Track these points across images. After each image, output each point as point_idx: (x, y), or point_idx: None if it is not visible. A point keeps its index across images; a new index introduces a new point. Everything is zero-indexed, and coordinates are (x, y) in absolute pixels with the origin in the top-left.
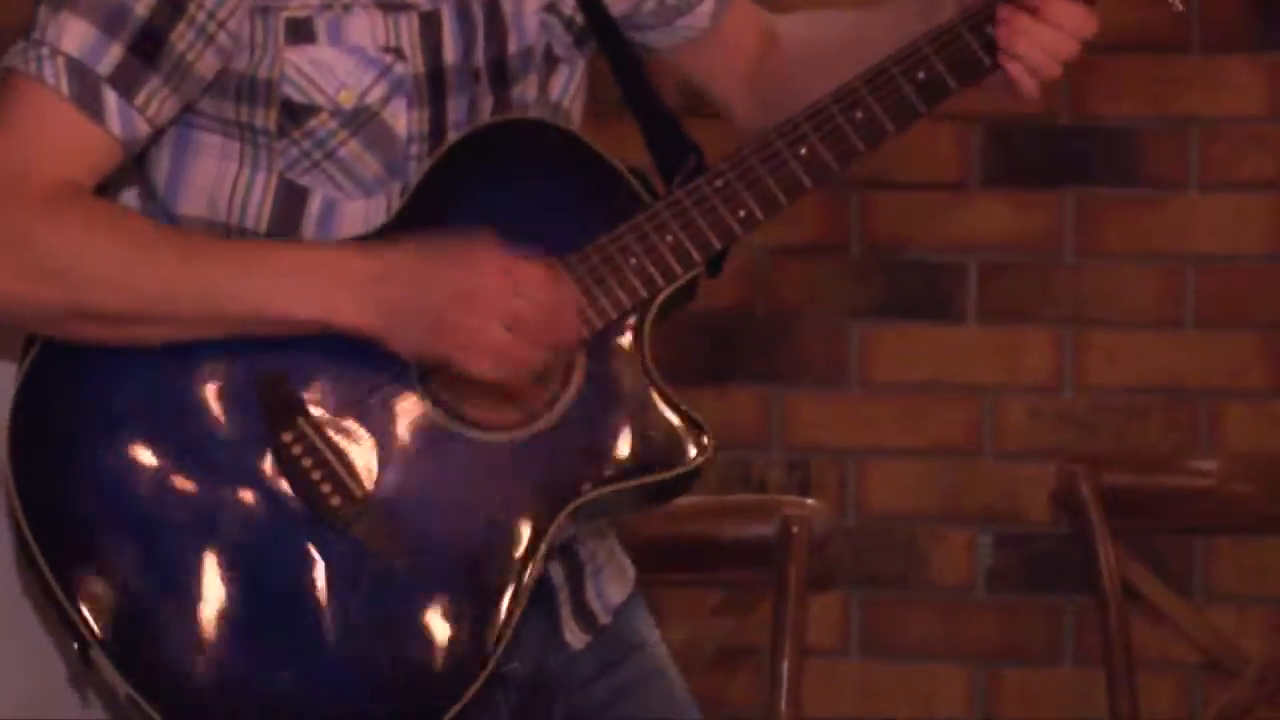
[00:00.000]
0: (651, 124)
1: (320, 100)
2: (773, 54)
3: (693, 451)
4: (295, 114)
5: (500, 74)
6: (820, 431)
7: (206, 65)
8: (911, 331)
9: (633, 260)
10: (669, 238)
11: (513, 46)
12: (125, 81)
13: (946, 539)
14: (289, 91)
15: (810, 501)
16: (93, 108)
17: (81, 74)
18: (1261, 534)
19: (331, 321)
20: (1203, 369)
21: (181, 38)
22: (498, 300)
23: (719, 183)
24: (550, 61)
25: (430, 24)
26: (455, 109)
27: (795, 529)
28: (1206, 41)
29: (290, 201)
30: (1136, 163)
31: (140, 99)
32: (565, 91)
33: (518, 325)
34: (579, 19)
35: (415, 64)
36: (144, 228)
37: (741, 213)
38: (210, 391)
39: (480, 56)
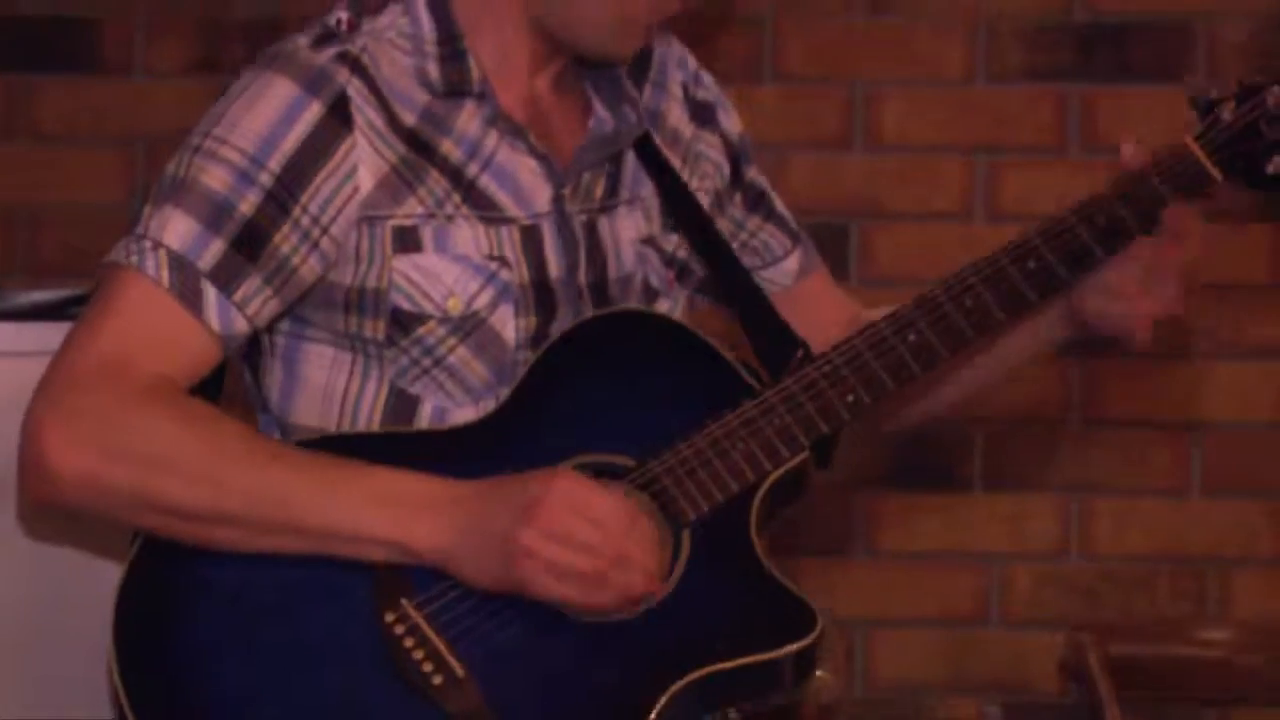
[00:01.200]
0: (757, 327)
1: (429, 308)
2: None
3: (800, 632)
4: (404, 323)
5: (603, 297)
6: (827, 601)
7: (309, 269)
8: (918, 500)
9: (740, 445)
10: (776, 421)
11: (613, 273)
12: (225, 277)
13: (955, 709)
14: (398, 300)
15: (818, 672)
16: (192, 301)
17: (182, 267)
18: (1273, 705)
19: (408, 546)
20: (1211, 537)
21: (285, 239)
22: (561, 523)
23: (826, 368)
24: (649, 293)
25: (531, 238)
26: (562, 319)
27: (803, 699)
28: (1209, 207)
29: (401, 409)
30: None
31: (239, 295)
32: None
33: (584, 550)
34: (681, 253)
35: (521, 273)
36: (233, 431)
37: (849, 397)
38: (313, 576)
39: (583, 275)
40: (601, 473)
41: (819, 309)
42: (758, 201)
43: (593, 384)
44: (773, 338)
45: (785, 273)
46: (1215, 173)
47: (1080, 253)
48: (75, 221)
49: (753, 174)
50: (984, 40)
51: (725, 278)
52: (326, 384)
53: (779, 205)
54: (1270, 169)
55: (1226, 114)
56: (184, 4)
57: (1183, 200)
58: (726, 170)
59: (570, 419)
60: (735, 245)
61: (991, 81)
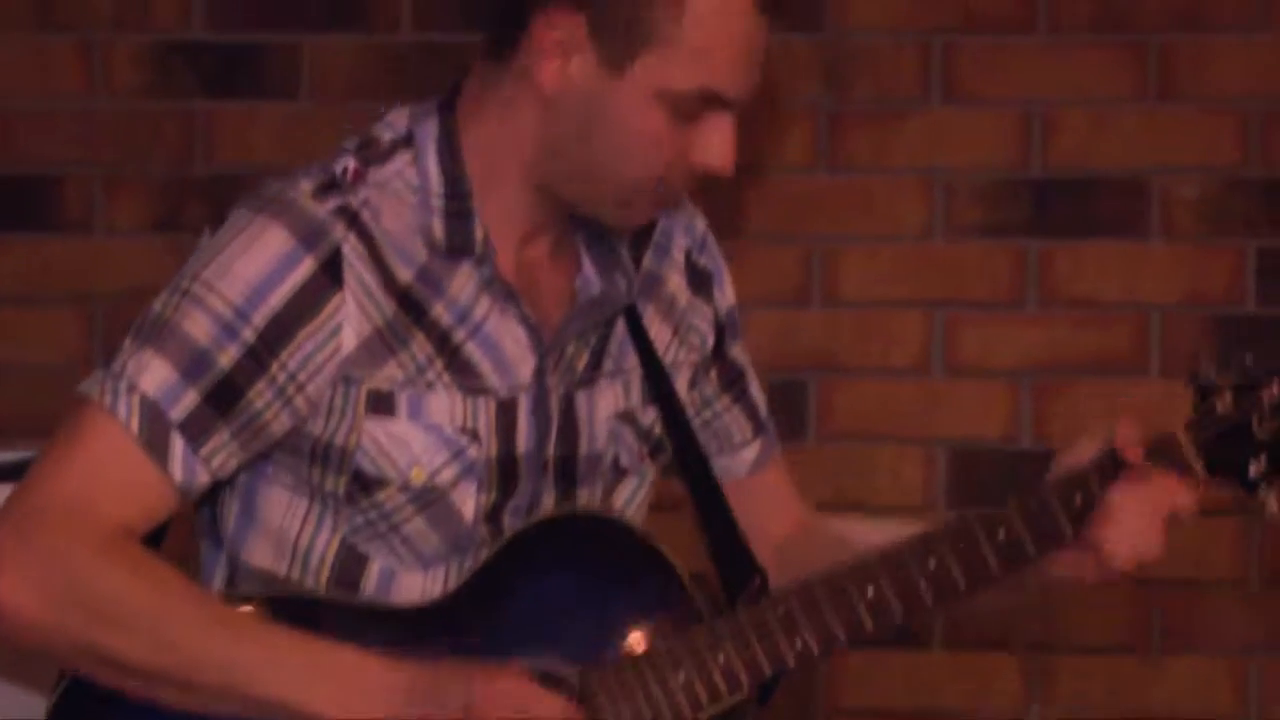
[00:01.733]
0: (718, 538)
1: (392, 474)
2: (805, 540)
3: None
4: (365, 484)
5: (568, 472)
6: None
7: (280, 424)
8: (880, 658)
9: (681, 676)
10: (721, 658)
11: (583, 449)
12: (195, 430)
13: None
14: (362, 462)
15: None
16: (159, 452)
17: (154, 416)
18: None
19: None
20: (1170, 695)
21: (260, 395)
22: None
23: (780, 610)
24: (618, 471)
25: (507, 411)
26: (521, 495)
27: None
28: (1165, 367)
29: (351, 564)
30: None
31: (206, 449)
32: (630, 502)
33: None
34: (657, 429)
35: (489, 448)
36: (184, 591)
37: (799, 644)
38: None
39: (551, 450)
40: (544, 677)
41: (767, 508)
42: (733, 381)
43: (547, 584)
44: (731, 552)
45: (741, 462)
46: (1199, 468)
47: (1052, 531)
48: (32, 382)
49: (735, 352)
50: (941, 196)
51: (693, 476)
52: (281, 527)
53: (754, 390)
54: (1252, 472)
55: (1221, 405)
56: (144, 161)
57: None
58: (710, 342)
59: (520, 617)
60: (698, 422)
61: (949, 237)
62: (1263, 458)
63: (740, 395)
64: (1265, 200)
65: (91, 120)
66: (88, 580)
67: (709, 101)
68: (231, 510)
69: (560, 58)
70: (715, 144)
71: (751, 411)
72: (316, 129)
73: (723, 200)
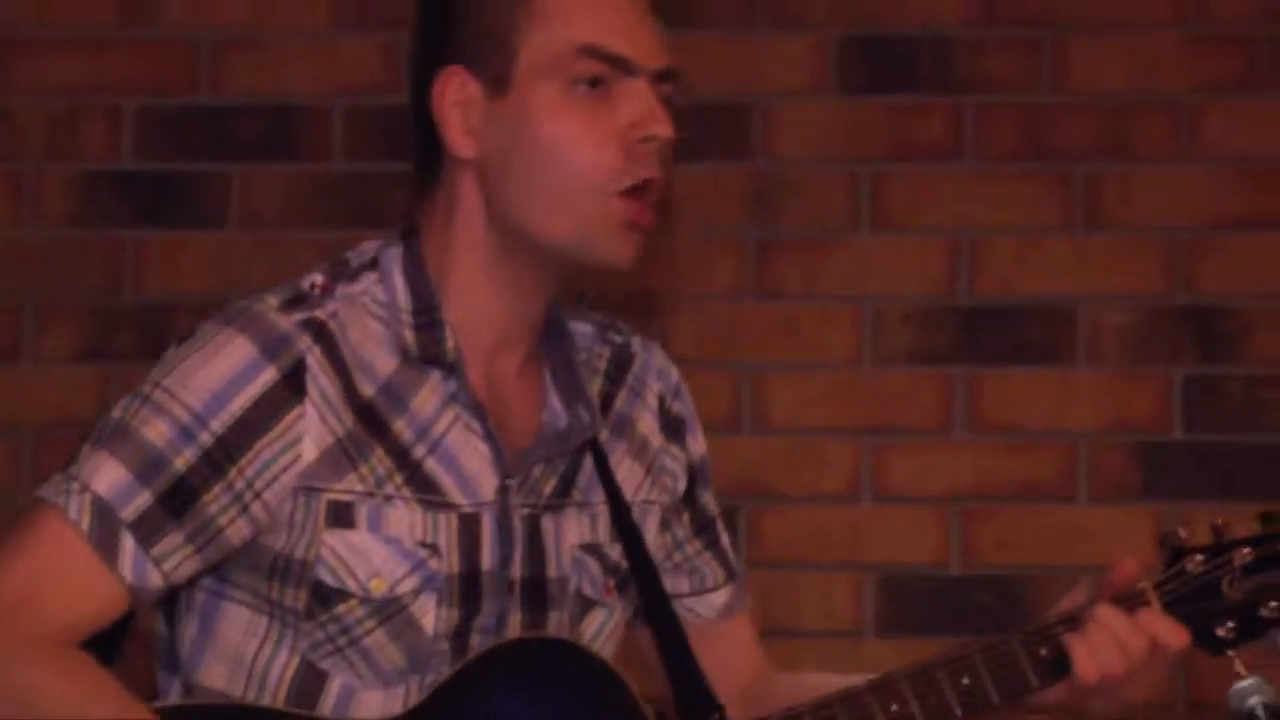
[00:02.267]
0: (679, 674)
1: (352, 586)
2: (767, 689)
3: None
4: (325, 597)
5: (536, 594)
6: None
7: (236, 531)
8: None
9: None
10: None
11: (551, 573)
12: (146, 530)
13: None
14: (322, 574)
15: None
16: (108, 550)
17: (104, 515)
18: None
19: None
20: None
21: (216, 500)
22: None
23: None
24: (583, 602)
25: (469, 527)
26: (486, 614)
27: None
28: (1092, 494)
29: (309, 683)
30: (1028, 610)
31: (158, 550)
32: (598, 634)
33: None
34: (624, 564)
35: (450, 563)
36: (114, 697)
37: None
38: None
39: (517, 570)
40: None
41: (733, 654)
42: (704, 528)
43: (507, 707)
44: (691, 687)
45: (711, 606)
46: None
47: (1017, 684)
48: None
49: (706, 499)
50: (870, 323)
51: (655, 612)
52: (239, 646)
53: (724, 539)
54: (1221, 632)
55: (1192, 565)
56: (74, 290)
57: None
58: (681, 487)
59: None
60: (670, 564)
61: (878, 364)
62: (1230, 621)
63: (713, 542)
64: (1190, 328)
65: (21, 249)
66: (15, 678)
67: (602, 61)
68: (188, 632)
69: (462, 116)
70: (638, 108)
71: (723, 559)
72: (246, 258)
73: (653, 326)
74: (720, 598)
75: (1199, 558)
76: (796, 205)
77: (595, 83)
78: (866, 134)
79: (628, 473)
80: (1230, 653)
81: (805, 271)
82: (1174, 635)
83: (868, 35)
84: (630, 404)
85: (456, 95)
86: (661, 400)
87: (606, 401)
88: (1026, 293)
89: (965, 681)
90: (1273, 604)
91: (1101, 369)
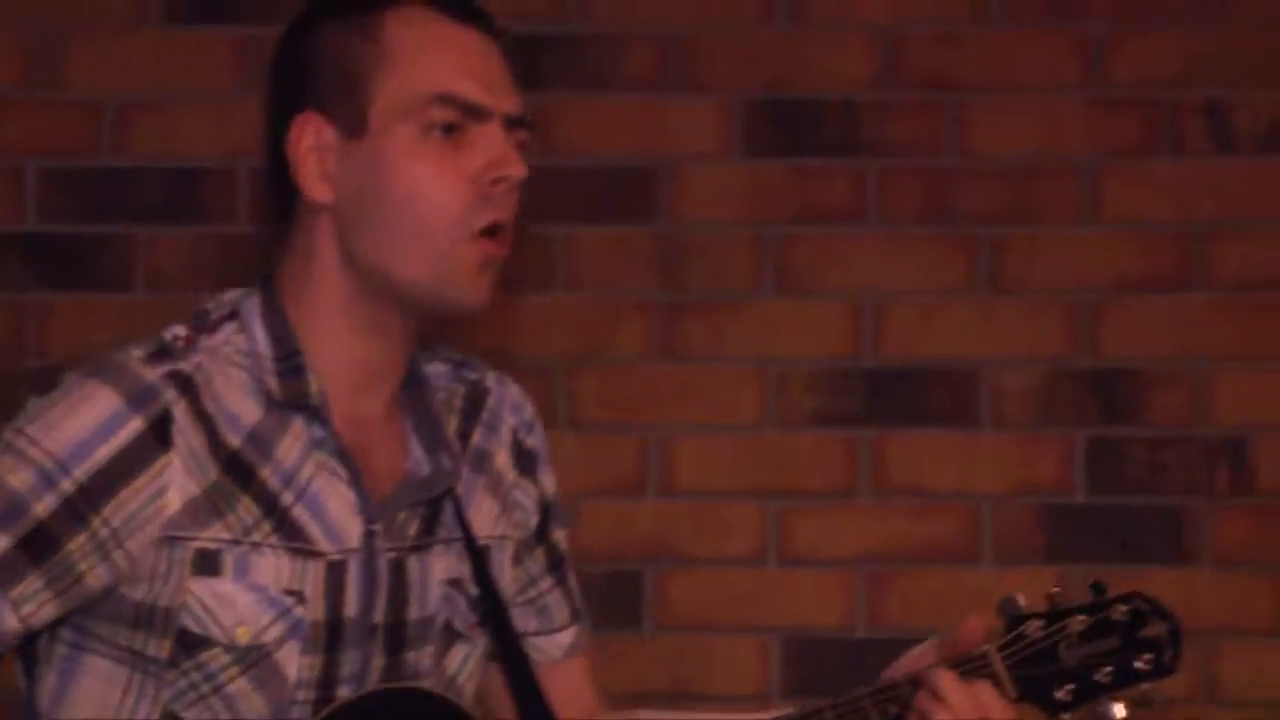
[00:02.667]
0: (530, 715)
1: (216, 633)
2: None
3: None
4: (190, 645)
5: (397, 637)
6: None
7: (96, 578)
8: None
9: None
10: None
11: (413, 614)
12: (4, 574)
13: None
14: (187, 622)
15: None
16: None
17: None
18: None
19: None
20: None
21: (79, 547)
22: None
23: None
24: (450, 635)
25: (335, 574)
26: (349, 662)
27: None
28: (996, 556)
29: None
30: None
31: (15, 593)
32: (462, 668)
33: None
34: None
35: (315, 610)
36: None
37: None
38: None
39: (379, 615)
40: None
41: (573, 694)
42: (556, 565)
43: None
44: None
45: (558, 645)
46: (1010, 688)
47: None
48: None
49: (558, 535)
50: (775, 385)
51: (506, 650)
52: (100, 698)
53: (571, 578)
54: (1060, 695)
55: (1031, 631)
56: None
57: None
58: (534, 523)
59: None
60: (523, 600)
61: (783, 426)
62: (1069, 684)
63: (562, 580)
64: (1094, 391)
65: None
66: None
67: (457, 108)
68: (47, 684)
69: (318, 162)
70: (491, 151)
71: (570, 597)
72: (152, 320)
73: (559, 389)
74: (566, 637)
75: (1037, 623)
76: (702, 268)
77: (449, 129)
78: (771, 197)
79: (486, 509)
80: (1067, 716)
81: (711, 334)
82: (1003, 711)
83: (772, 99)
84: (486, 439)
85: (312, 140)
86: (515, 434)
87: (463, 438)
88: (931, 355)
89: (892, 710)
90: (1106, 669)
91: (1005, 431)
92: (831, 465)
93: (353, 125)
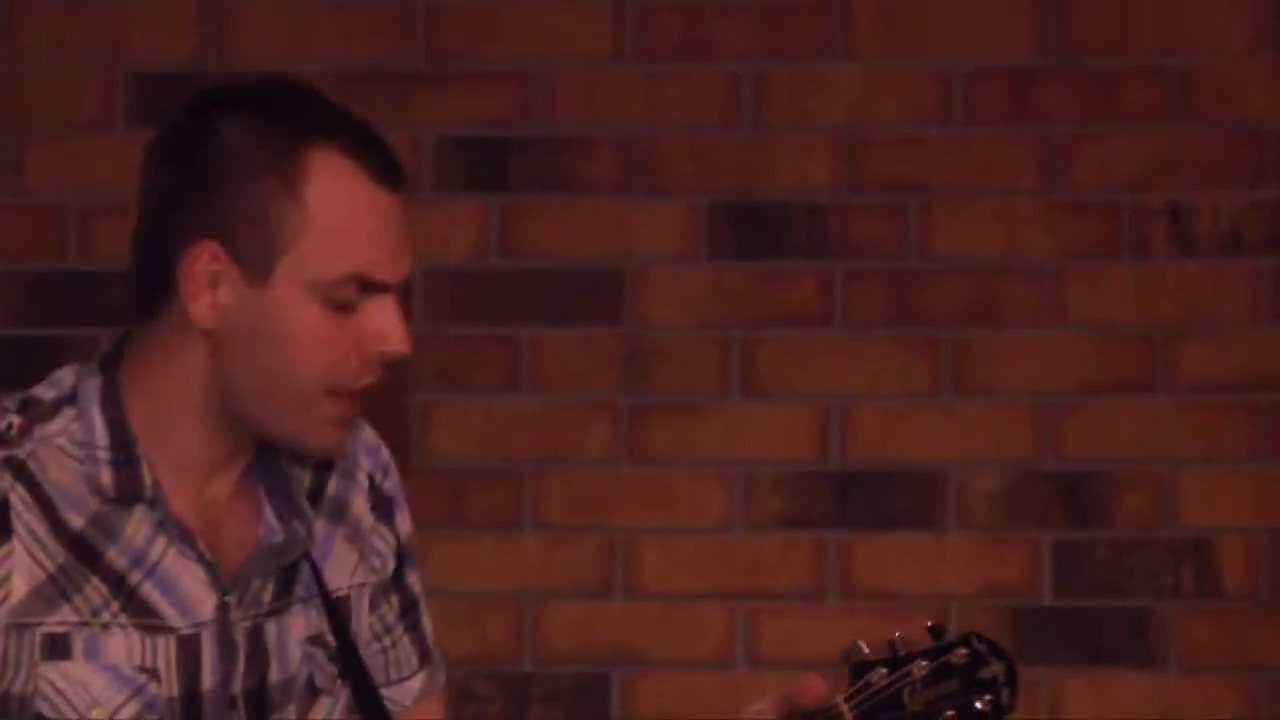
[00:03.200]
0: None
1: (71, 717)
2: None
3: None
4: None
5: (258, 702)
6: None
7: None
8: None
9: None
10: None
11: (275, 676)
12: None
13: None
14: (42, 707)
15: None
16: None
17: None
18: None
19: None
20: None
21: None
22: None
23: None
24: (313, 691)
25: (188, 648)
26: None
27: None
28: None
29: None
30: None
31: None
32: None
33: None
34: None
35: (170, 686)
36: None
37: None
38: None
39: (239, 684)
40: None
41: None
42: (407, 609)
43: None
44: None
45: (407, 693)
46: None
47: None
48: None
49: (412, 579)
50: (741, 488)
51: (365, 703)
52: None
53: (425, 619)
54: None
55: (876, 678)
56: None
57: None
58: (390, 568)
59: None
60: (377, 647)
61: (749, 529)
62: None
63: (413, 625)
64: (1059, 493)
65: None
66: None
67: (363, 286)
68: None
69: (209, 290)
70: (383, 326)
71: (420, 641)
72: None
73: (525, 491)
74: (416, 684)
75: (882, 670)
76: (668, 370)
77: (351, 303)
78: (736, 299)
79: (345, 558)
80: None
81: (677, 436)
82: None
83: (736, 201)
84: (343, 488)
85: (209, 270)
86: (371, 479)
87: (318, 491)
88: (896, 457)
89: None
90: (949, 714)
91: (971, 533)
92: (799, 567)
93: (257, 271)
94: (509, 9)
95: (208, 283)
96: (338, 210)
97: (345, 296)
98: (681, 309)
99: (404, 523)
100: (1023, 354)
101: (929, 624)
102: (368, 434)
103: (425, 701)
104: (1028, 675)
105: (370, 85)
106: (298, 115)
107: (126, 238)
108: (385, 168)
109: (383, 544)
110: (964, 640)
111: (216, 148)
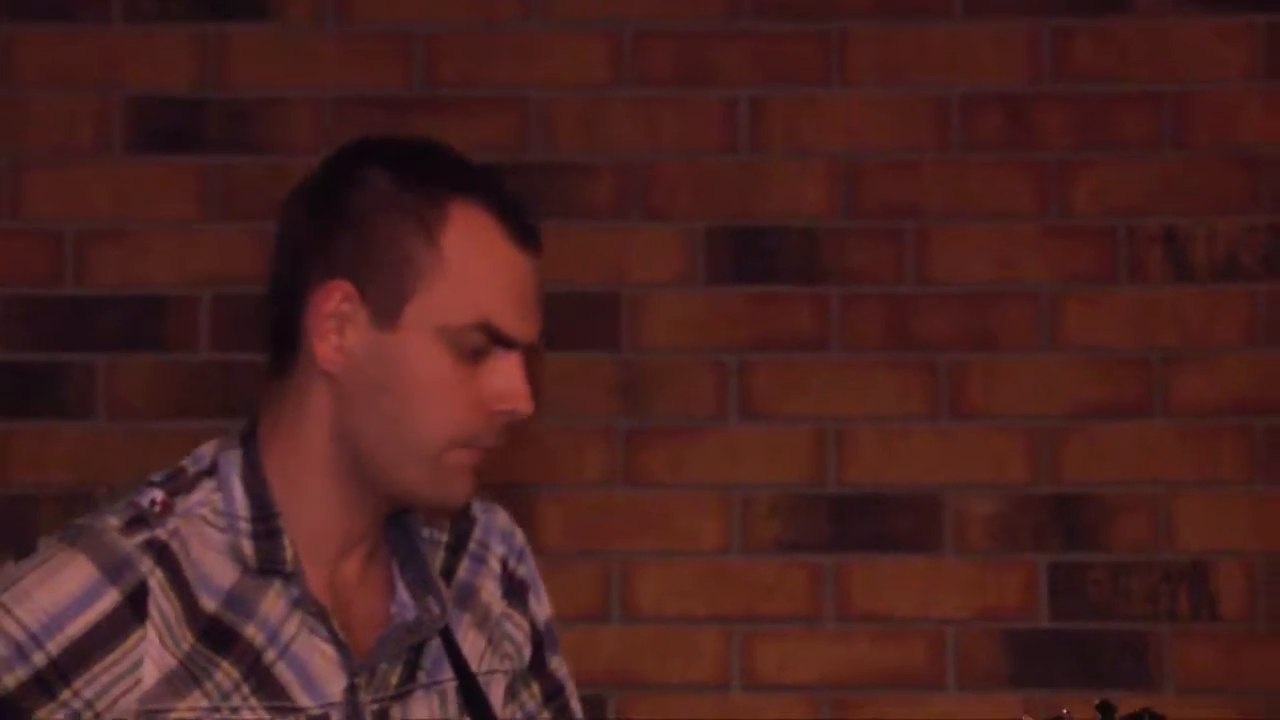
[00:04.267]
0: None
1: None
2: None
3: None
4: None
5: None
6: None
7: None
8: None
9: None
10: None
11: None
12: None
13: None
14: None
15: None
16: None
17: None
18: None
19: None
20: None
21: (48, 715)
22: None
23: None
24: None
25: None
26: None
27: None
28: (960, 681)
29: None
30: None
31: None
32: None
33: None
34: None
35: None
36: None
37: None
38: None
39: None
40: None
41: None
42: (553, 695)
43: None
44: None
45: None
46: None
47: None
48: None
49: (555, 664)
50: (738, 511)
51: None
52: None
53: (574, 705)
54: None
55: None
56: None
57: None
58: (527, 655)
59: None
60: None
61: (746, 552)
62: None
63: (562, 709)
64: (1055, 516)
65: None
66: None
67: (490, 337)
68: None
69: (336, 332)
70: (507, 384)
71: None
72: (113, 448)
73: (522, 516)
74: None
75: None
76: (665, 394)
77: (477, 354)
78: (733, 324)
79: (472, 644)
80: None
81: (674, 460)
82: None
83: (734, 226)
84: (473, 572)
85: (336, 309)
86: (504, 564)
87: (449, 573)
88: (893, 481)
89: None
90: None
91: (968, 557)
92: (795, 591)
93: (385, 314)
94: (507, 36)
95: (336, 325)
96: (471, 258)
97: (472, 344)
98: (679, 333)
99: (541, 608)
100: (1019, 378)
101: (1096, 701)
102: (502, 518)
103: None
104: (1025, 700)
105: (367, 111)
106: (446, 169)
107: (123, 263)
108: (524, 229)
109: (516, 631)
110: (1137, 716)
111: (359, 191)
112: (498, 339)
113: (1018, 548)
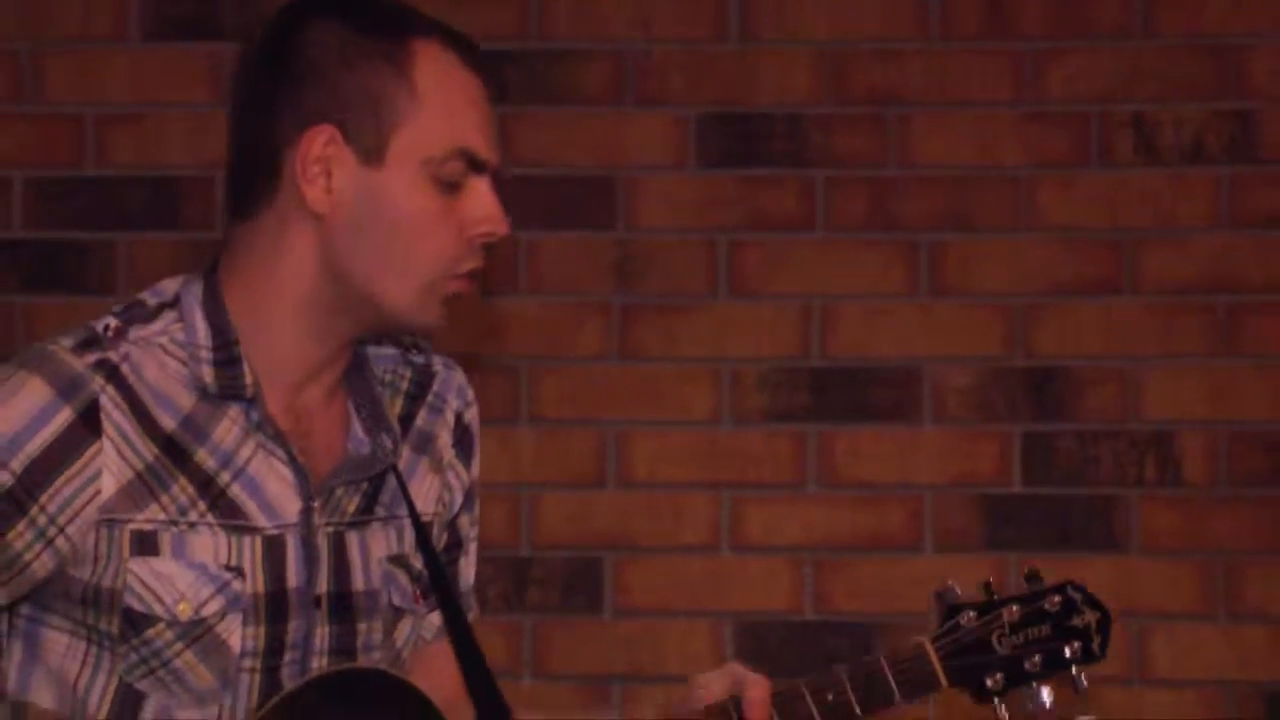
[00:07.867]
0: (473, 679)
1: (159, 610)
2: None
3: None
4: (135, 622)
5: (344, 608)
6: None
7: (41, 565)
8: None
9: None
10: None
11: (358, 585)
12: None
13: None
14: (130, 601)
15: None
16: None
17: None
18: None
19: None
20: None
21: (20, 536)
22: None
23: None
24: (395, 612)
25: (273, 548)
26: (294, 630)
27: None
28: (937, 544)
29: (127, 704)
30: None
31: None
32: (407, 643)
33: None
34: (426, 573)
35: (255, 583)
36: None
37: None
38: None
39: (322, 586)
40: None
41: (432, 674)
42: (451, 548)
43: None
44: (485, 692)
45: (430, 625)
46: (943, 679)
47: (881, 689)
48: None
49: (463, 520)
50: (727, 384)
51: (453, 624)
52: (61, 669)
53: (464, 562)
54: (990, 683)
55: (966, 620)
56: None
57: (908, 697)
58: (456, 505)
59: None
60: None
61: (735, 423)
62: (999, 674)
63: (453, 562)
64: (1029, 388)
65: None
66: None
67: (468, 163)
68: (15, 656)
69: (324, 175)
70: (484, 208)
71: (455, 581)
72: None
73: (522, 388)
74: (438, 618)
75: (972, 614)
76: (657, 272)
77: (454, 185)
78: (723, 205)
79: (428, 487)
80: (996, 701)
81: (666, 335)
82: None
83: (724, 112)
84: (430, 421)
85: (322, 152)
86: (459, 417)
87: (408, 419)
88: (875, 355)
89: (830, 697)
90: (1036, 658)
91: (945, 426)
92: (781, 459)
93: (370, 153)
94: None
95: (323, 168)
96: (443, 90)
97: (452, 173)
98: (671, 214)
99: (475, 468)
100: (995, 257)
101: (1025, 570)
102: (460, 376)
103: (441, 641)
104: (998, 561)
105: None
106: (394, 13)
107: (141, 145)
108: (478, 59)
109: (456, 481)
110: (1059, 587)
111: (317, 44)
112: (474, 164)
113: (993, 418)
